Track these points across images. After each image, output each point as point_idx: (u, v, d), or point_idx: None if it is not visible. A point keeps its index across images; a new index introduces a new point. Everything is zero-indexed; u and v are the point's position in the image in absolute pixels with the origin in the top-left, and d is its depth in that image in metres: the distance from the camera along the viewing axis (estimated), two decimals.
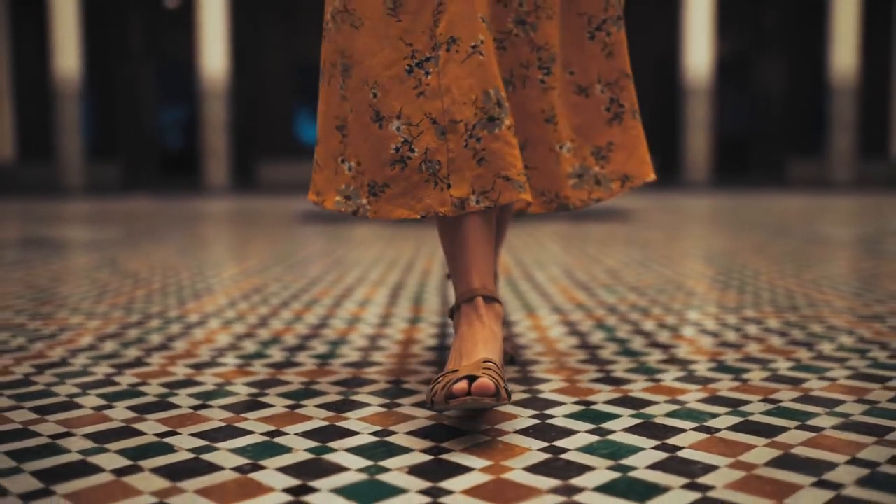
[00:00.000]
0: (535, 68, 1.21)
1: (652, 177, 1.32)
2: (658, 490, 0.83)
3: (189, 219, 6.27)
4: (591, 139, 1.28)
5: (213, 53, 16.34)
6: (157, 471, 0.90)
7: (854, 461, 0.91)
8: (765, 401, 1.17)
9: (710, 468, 0.90)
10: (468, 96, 1.11)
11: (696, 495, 0.82)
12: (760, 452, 0.95)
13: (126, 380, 1.32)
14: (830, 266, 2.83)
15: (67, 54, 16.31)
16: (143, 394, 1.23)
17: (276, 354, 1.51)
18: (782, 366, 1.38)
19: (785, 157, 19.08)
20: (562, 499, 0.80)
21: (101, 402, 1.19)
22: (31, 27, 18.32)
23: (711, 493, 0.82)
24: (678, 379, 1.30)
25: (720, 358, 1.44)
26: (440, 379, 1.03)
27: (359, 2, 1.15)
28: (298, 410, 1.14)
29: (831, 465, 0.90)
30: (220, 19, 16.32)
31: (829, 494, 0.81)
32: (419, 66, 1.12)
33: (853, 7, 16.39)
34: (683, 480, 0.86)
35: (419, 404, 1.17)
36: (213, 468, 0.91)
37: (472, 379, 0.97)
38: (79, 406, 1.17)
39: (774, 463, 0.91)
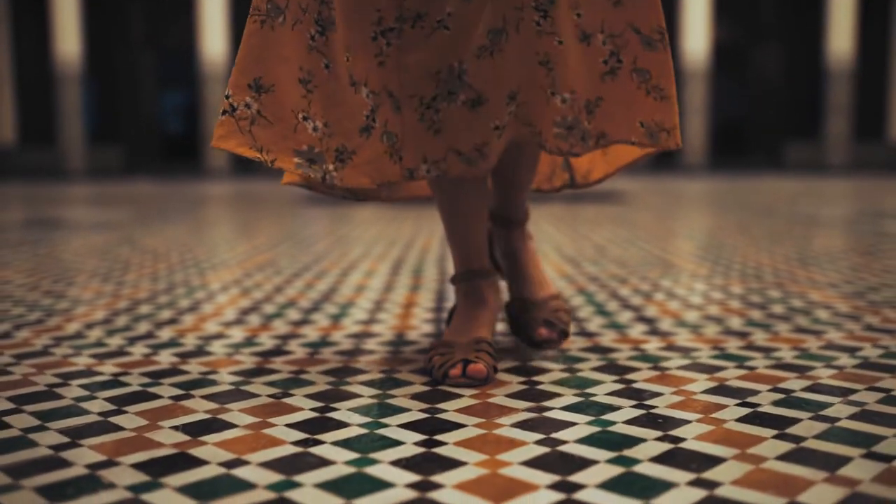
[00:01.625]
0: (531, 9, 1.10)
1: (638, 140, 1.17)
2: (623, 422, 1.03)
3: (194, 201, 6.47)
4: (586, 92, 1.16)
5: (214, 38, 16.48)
6: (207, 397, 1.11)
7: (775, 388, 1.12)
8: (715, 348, 1.37)
9: (656, 394, 1.10)
10: (428, 70, 1.10)
11: (641, 412, 1.02)
12: (701, 385, 1.15)
13: (165, 333, 1.52)
14: (803, 243, 3.04)
15: (68, 38, 16.45)
16: (182, 344, 1.44)
17: (294, 315, 1.71)
18: (735, 323, 1.59)
19: (782, 140, 19.25)
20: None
21: (148, 350, 1.39)
22: (32, 12, 18.43)
23: (655, 411, 1.03)
24: (643, 332, 1.50)
25: (684, 318, 1.65)
26: (441, 351, 1.19)
27: None
28: (316, 357, 1.34)
29: (755, 392, 1.10)
30: (220, 3, 16.44)
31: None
32: (382, 35, 1.10)
33: None
34: (633, 402, 1.07)
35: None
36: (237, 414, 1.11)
37: (465, 361, 1.14)
38: (129, 353, 1.37)
39: (712, 391, 1.12)
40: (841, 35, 16.69)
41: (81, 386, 1.17)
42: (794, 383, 1.15)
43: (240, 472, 0.84)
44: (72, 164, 16.89)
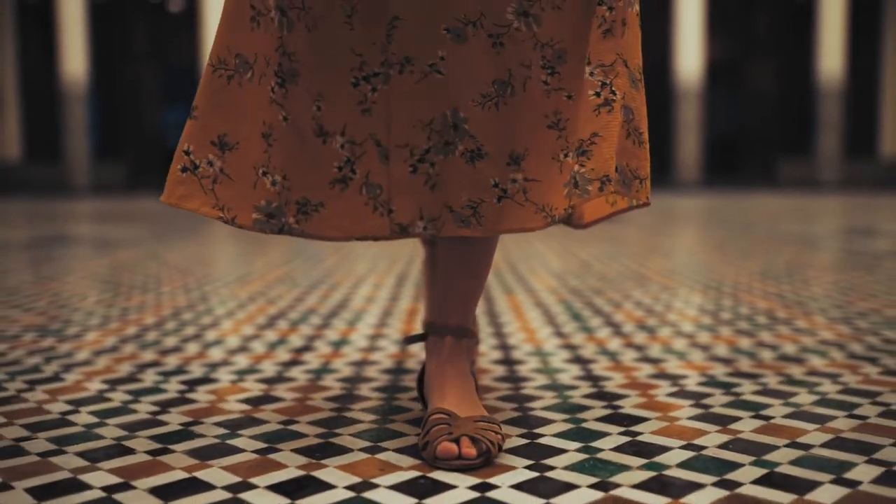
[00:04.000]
0: (539, 68, 1.02)
1: (614, 187, 1.03)
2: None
3: (202, 217, 6.77)
4: (577, 133, 1.05)
5: None
6: (260, 380, 1.41)
7: (711, 381, 1.42)
8: (667, 351, 1.68)
9: (608, 378, 1.41)
10: (420, 120, 1.04)
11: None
12: (645, 371, 1.46)
13: (211, 335, 1.83)
14: (772, 258, 3.34)
15: (74, 57, 16.79)
16: (222, 341, 1.74)
17: (316, 320, 2.01)
18: (685, 326, 1.89)
19: (775, 157, 19.60)
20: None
21: (200, 348, 1.70)
22: (38, 30, 18.78)
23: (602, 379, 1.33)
24: (608, 334, 1.81)
25: (645, 322, 1.95)
26: (431, 423, 1.04)
27: (318, 0, 1.01)
28: (340, 351, 1.65)
29: (685, 376, 1.41)
30: None
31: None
32: (366, 81, 1.03)
33: (840, 13, 16.90)
34: (589, 384, 1.37)
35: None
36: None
37: (458, 440, 1.00)
38: (181, 350, 1.68)
39: (653, 376, 1.42)
40: (831, 54, 17.07)
41: (157, 372, 1.48)
42: (719, 370, 1.46)
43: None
44: (76, 179, 17.19)
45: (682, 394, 1.31)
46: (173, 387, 1.38)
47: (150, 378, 1.44)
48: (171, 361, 1.57)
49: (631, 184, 1.05)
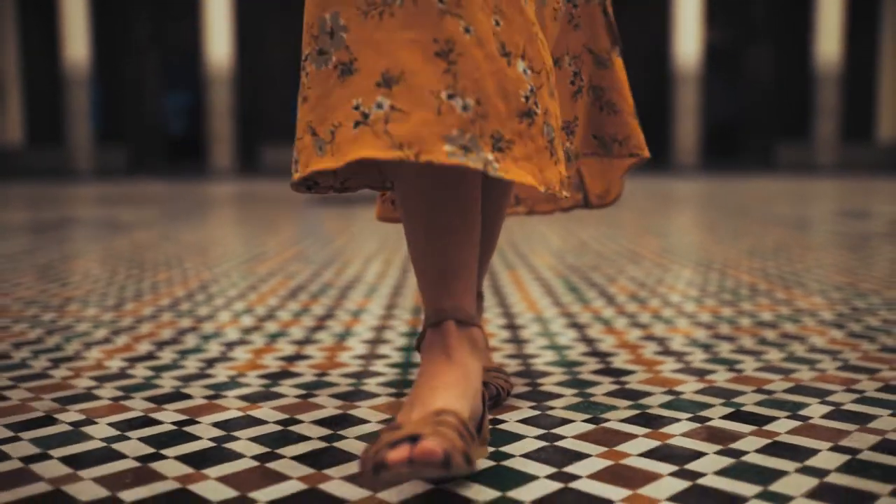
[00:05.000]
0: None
1: (593, 151, 1.24)
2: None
3: (208, 200, 6.94)
4: (564, 114, 1.18)
5: (219, 41, 16.93)
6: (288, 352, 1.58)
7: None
8: (655, 318, 1.85)
9: (601, 339, 1.58)
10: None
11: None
12: (633, 334, 1.63)
13: (238, 305, 2.00)
14: (761, 238, 3.51)
15: (77, 43, 16.90)
16: (251, 312, 1.91)
17: (334, 292, 2.18)
18: (673, 297, 2.06)
19: (773, 141, 19.75)
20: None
21: (231, 316, 1.87)
22: (40, 16, 18.86)
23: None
24: (601, 305, 1.98)
25: (637, 294, 2.12)
26: (381, 435, 0.82)
27: None
28: (352, 331, 1.82)
29: (671, 338, 1.58)
30: (225, 7, 16.90)
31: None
32: None
33: None
34: (584, 345, 1.54)
35: None
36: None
37: (414, 439, 0.78)
38: (214, 317, 1.84)
39: (640, 338, 1.59)
40: (829, 39, 17.18)
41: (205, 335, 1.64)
42: (701, 333, 1.63)
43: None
44: (79, 164, 17.33)
45: (667, 352, 1.48)
46: (214, 348, 1.55)
47: (191, 341, 1.61)
48: (207, 327, 1.74)
49: (611, 146, 1.22)
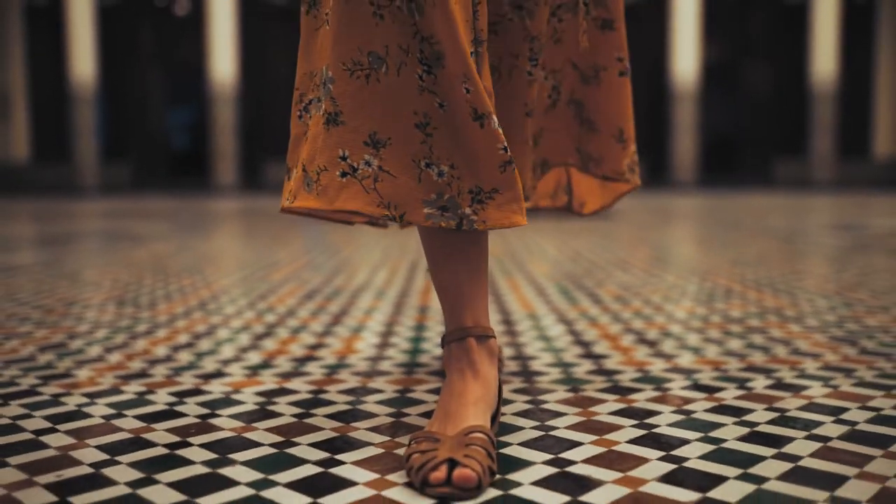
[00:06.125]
0: (525, 59, 1.14)
1: (574, 163, 1.33)
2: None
3: (215, 215, 7.17)
4: (532, 125, 1.24)
5: (223, 59, 17.23)
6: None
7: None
8: (635, 315, 2.06)
9: (586, 332, 1.79)
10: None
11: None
12: (615, 329, 1.84)
13: (261, 305, 2.21)
14: (746, 248, 3.73)
15: (83, 60, 17.19)
16: (273, 311, 2.12)
17: (346, 293, 2.39)
18: (654, 298, 2.28)
19: (770, 158, 20.00)
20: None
21: (256, 314, 2.08)
22: (46, 33, 19.16)
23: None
24: (589, 304, 2.19)
25: (622, 295, 2.33)
26: (423, 447, 0.94)
27: None
28: (361, 332, 2.03)
29: (643, 330, 1.79)
30: (228, 25, 17.20)
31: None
32: (479, 44, 1.03)
33: (833, 16, 17.32)
34: (572, 338, 1.75)
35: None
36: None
37: (451, 463, 0.91)
38: (242, 314, 2.06)
39: (619, 330, 1.80)
40: (825, 56, 17.47)
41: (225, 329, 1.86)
42: (675, 328, 1.84)
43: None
44: (85, 180, 17.59)
45: (641, 341, 1.69)
46: (243, 338, 1.76)
47: (223, 334, 1.82)
48: (237, 324, 1.95)
49: (588, 164, 1.30)
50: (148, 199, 11.34)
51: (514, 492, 0.89)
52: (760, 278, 2.68)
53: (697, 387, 1.32)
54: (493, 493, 0.89)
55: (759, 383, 1.34)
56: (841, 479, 0.91)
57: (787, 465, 0.96)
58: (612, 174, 1.25)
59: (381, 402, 1.26)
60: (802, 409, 1.19)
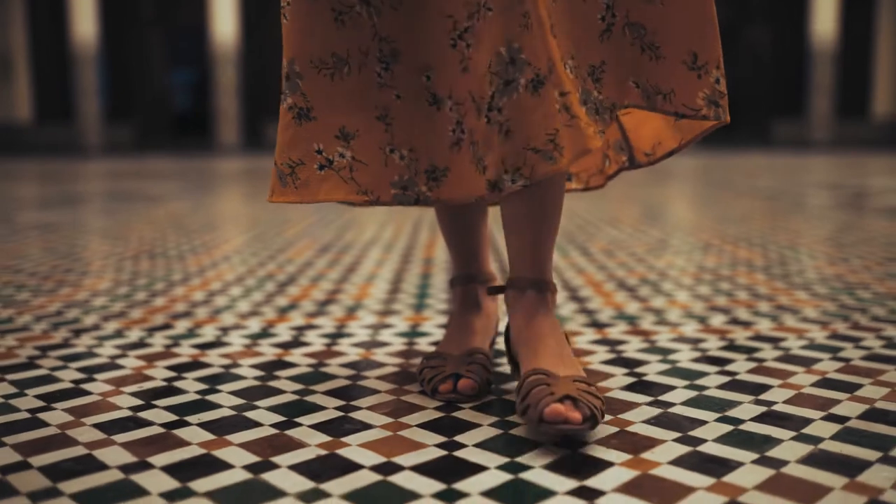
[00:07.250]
0: None
1: (634, 102, 1.05)
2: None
3: (222, 175, 7.37)
4: (588, 56, 1.04)
5: (224, 19, 17.27)
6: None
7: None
8: (620, 266, 2.28)
9: (581, 289, 2.01)
10: (483, 66, 1.00)
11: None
12: (602, 278, 2.06)
13: (282, 256, 2.43)
14: (731, 207, 3.94)
15: (85, 20, 17.22)
16: (291, 262, 2.35)
17: (357, 246, 2.61)
18: (639, 251, 2.50)
19: (769, 118, 20.12)
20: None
21: (278, 264, 2.30)
22: None
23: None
24: (579, 256, 2.41)
25: (607, 249, 2.55)
26: (432, 363, 1.16)
27: None
28: (374, 280, 2.25)
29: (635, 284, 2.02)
30: None
31: None
32: (461, 38, 1.02)
33: None
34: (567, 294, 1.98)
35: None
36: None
37: (456, 376, 1.12)
38: (267, 264, 2.28)
39: (603, 278, 2.03)
40: (825, 17, 17.50)
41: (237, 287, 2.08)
42: (653, 276, 2.06)
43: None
44: (88, 140, 17.72)
45: (622, 287, 1.92)
46: (278, 279, 1.98)
47: (261, 272, 2.04)
48: (262, 273, 2.17)
49: (654, 98, 1.04)
50: (152, 160, 11.52)
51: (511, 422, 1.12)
52: (739, 233, 2.90)
53: (682, 339, 1.54)
54: (493, 431, 1.12)
55: (718, 320, 1.57)
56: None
57: (730, 377, 1.18)
58: (684, 110, 1.03)
59: (396, 335, 1.48)
60: (750, 339, 1.42)
